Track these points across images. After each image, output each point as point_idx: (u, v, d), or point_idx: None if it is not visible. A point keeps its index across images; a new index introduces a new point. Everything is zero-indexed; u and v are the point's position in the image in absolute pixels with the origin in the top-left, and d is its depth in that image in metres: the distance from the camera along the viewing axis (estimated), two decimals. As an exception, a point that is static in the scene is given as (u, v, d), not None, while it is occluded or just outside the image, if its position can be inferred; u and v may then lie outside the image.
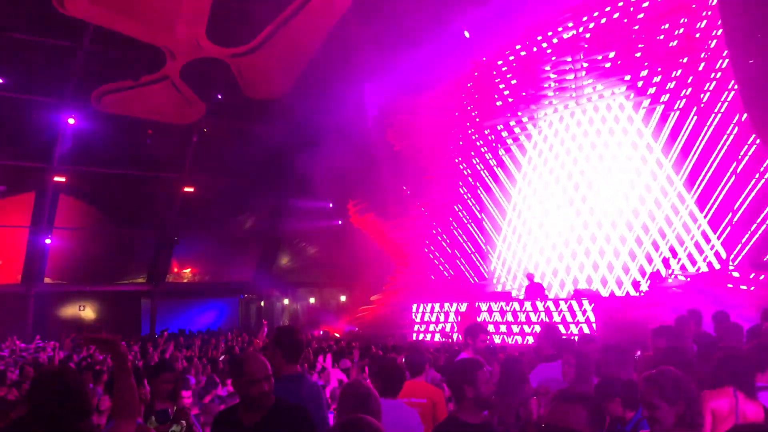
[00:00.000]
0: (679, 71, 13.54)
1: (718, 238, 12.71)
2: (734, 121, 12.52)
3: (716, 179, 12.75)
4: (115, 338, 2.79)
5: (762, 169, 12.09)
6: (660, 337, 5.06)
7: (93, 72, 18.94)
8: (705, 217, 12.94)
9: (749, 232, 12.15)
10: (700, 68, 13.14)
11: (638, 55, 14.27)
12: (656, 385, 2.71)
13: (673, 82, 13.69)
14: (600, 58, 15.04)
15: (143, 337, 19.35)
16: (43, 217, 20.48)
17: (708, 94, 12.99)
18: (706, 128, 12.98)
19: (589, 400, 2.51)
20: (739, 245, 12.27)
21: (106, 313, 22.58)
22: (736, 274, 11.98)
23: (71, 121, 19.60)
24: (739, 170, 12.37)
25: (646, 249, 13.94)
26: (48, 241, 20.74)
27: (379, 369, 4.21)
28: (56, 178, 20.13)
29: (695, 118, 13.15)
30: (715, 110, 12.85)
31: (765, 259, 11.85)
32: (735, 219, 12.35)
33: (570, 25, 15.75)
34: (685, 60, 13.41)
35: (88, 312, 22.48)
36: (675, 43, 13.58)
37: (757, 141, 12.11)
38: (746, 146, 12.30)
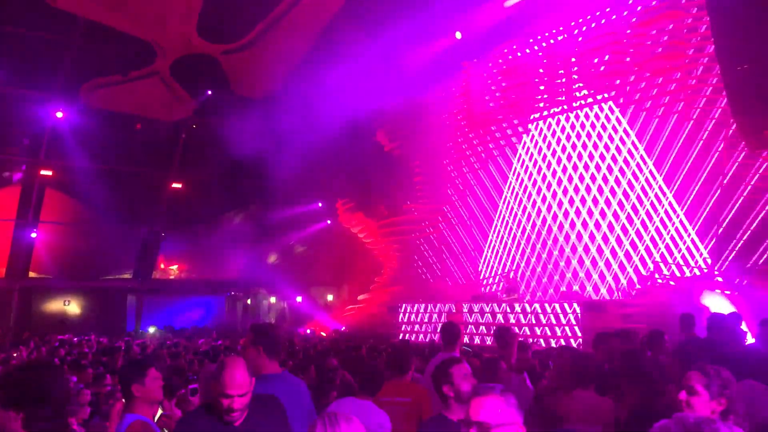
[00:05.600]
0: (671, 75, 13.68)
1: (706, 246, 12.85)
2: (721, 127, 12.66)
3: (705, 186, 12.89)
4: None
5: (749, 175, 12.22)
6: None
7: (82, 66, 18.81)
8: (694, 223, 13.09)
9: (735, 239, 12.28)
10: (690, 74, 13.29)
11: (628, 59, 14.41)
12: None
13: (661, 88, 13.83)
14: (593, 61, 15.16)
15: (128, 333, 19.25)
16: (29, 210, 20.31)
17: (701, 99, 13.13)
18: (692, 132, 13.13)
19: None
20: (726, 251, 12.39)
21: (91, 308, 22.41)
22: (720, 279, 12.11)
23: (59, 114, 19.46)
24: (727, 177, 12.50)
25: (637, 255, 14.05)
26: (34, 235, 20.59)
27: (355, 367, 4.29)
28: (43, 172, 19.99)
29: (684, 124, 13.30)
30: (694, 115, 12.99)
31: (749, 266, 11.97)
32: (723, 225, 12.46)
33: (561, 29, 15.88)
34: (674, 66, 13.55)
35: (73, 307, 22.29)
36: (660, 50, 13.72)
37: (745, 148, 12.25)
38: (735, 153, 12.42)
